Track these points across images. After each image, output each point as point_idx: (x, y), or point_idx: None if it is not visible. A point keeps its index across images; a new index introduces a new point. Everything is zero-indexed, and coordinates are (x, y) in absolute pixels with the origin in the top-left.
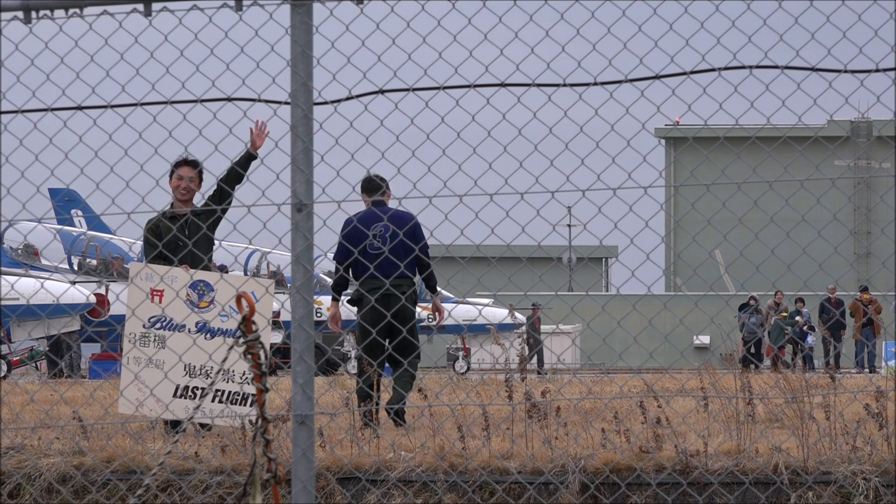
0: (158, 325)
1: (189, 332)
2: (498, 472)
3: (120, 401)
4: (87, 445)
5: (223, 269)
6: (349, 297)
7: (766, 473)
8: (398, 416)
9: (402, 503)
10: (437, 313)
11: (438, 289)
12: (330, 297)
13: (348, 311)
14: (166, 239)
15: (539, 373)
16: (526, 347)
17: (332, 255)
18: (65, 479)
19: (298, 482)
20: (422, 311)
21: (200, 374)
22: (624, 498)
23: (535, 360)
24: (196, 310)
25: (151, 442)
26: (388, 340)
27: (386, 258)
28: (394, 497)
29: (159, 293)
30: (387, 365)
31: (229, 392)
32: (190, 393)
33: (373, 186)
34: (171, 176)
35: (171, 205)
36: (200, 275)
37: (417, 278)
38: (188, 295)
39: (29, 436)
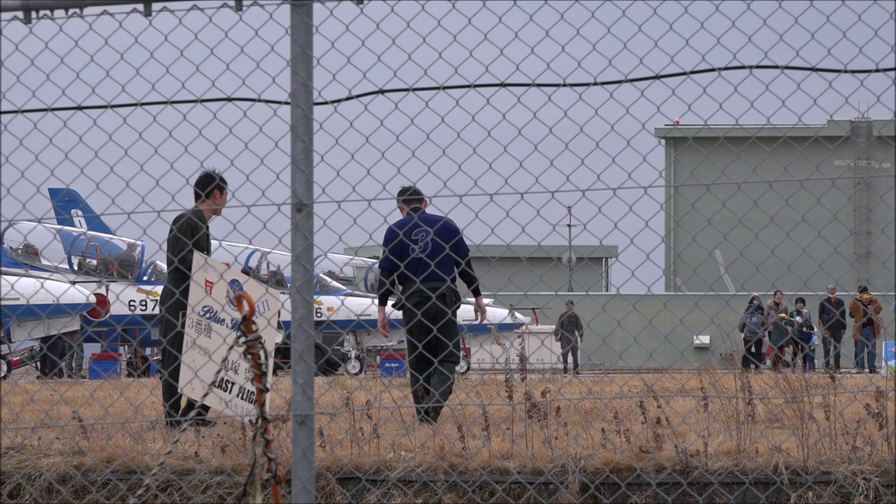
0: (208, 315)
1: (227, 326)
2: (498, 472)
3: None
4: (87, 445)
5: (247, 271)
6: (393, 303)
7: (766, 473)
8: (431, 414)
9: (402, 503)
10: (479, 313)
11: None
12: (377, 304)
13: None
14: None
15: (576, 372)
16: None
17: (378, 263)
18: (65, 479)
19: (298, 482)
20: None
21: (231, 368)
22: (624, 498)
23: (566, 359)
24: (232, 307)
25: (151, 442)
26: (432, 343)
27: (429, 264)
28: (394, 497)
29: (211, 285)
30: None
31: (248, 390)
32: (225, 384)
33: (410, 197)
34: (220, 190)
35: (202, 211)
36: (236, 275)
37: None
38: (227, 291)
39: (29, 436)
